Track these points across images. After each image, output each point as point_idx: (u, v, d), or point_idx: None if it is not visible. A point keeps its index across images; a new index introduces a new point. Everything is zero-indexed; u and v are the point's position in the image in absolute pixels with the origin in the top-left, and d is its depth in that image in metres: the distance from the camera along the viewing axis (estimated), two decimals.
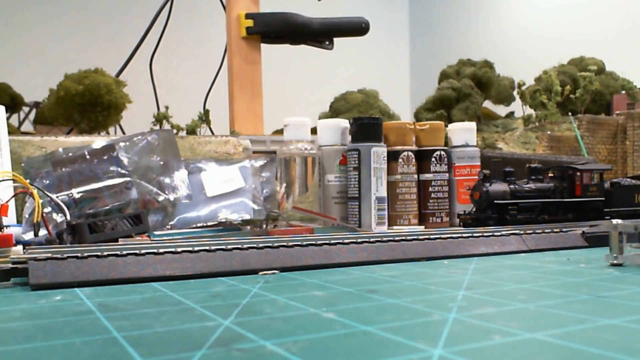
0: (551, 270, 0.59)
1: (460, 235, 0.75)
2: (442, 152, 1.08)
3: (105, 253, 0.57)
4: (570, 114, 1.67)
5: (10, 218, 0.78)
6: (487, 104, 1.92)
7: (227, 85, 1.40)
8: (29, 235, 0.78)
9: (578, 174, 0.98)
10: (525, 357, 0.29)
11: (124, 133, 1.48)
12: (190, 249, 0.60)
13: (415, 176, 1.05)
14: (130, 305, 0.44)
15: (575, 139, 1.60)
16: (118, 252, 0.57)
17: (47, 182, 0.86)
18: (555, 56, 1.99)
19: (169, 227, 0.90)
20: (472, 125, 1.14)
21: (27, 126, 1.99)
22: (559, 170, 1.01)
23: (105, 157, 0.89)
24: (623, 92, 1.81)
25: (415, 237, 0.72)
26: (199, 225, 0.92)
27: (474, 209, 0.95)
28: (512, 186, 0.94)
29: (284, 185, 1.01)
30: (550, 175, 1.01)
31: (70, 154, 0.88)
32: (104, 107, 1.15)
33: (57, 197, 0.80)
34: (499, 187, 0.93)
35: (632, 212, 1.02)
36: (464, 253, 0.71)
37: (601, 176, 1.01)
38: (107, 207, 0.85)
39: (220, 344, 0.32)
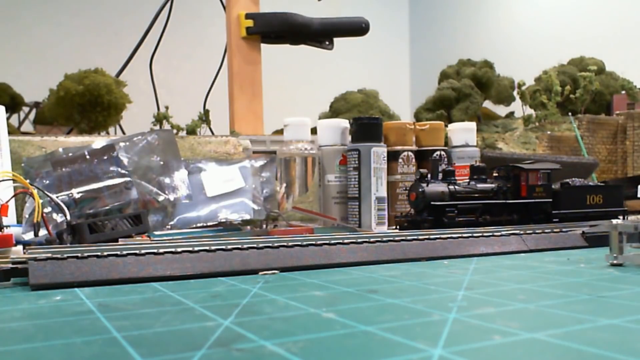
0: (551, 270, 0.59)
1: (460, 235, 0.75)
2: (442, 152, 1.08)
3: (105, 253, 0.57)
4: (570, 114, 1.67)
5: (10, 218, 0.78)
6: (487, 104, 1.92)
7: (227, 85, 1.40)
8: (29, 235, 0.78)
9: (523, 173, 0.92)
10: (525, 357, 0.29)
11: (124, 133, 1.48)
12: (190, 249, 0.60)
13: None
14: (130, 305, 0.44)
15: (575, 139, 1.60)
16: (118, 252, 0.57)
17: (47, 182, 0.86)
18: (555, 56, 1.99)
19: (169, 227, 0.90)
20: (472, 125, 1.14)
21: (27, 126, 1.99)
22: (504, 169, 0.95)
23: (105, 157, 0.89)
24: (623, 92, 1.81)
25: (415, 237, 0.72)
26: (199, 225, 0.92)
27: (412, 211, 0.90)
28: (451, 187, 0.89)
29: (284, 185, 1.01)
30: (495, 175, 0.95)
31: (70, 154, 0.88)
32: (104, 107, 1.15)
33: (57, 197, 0.80)
34: (436, 187, 0.88)
35: (583, 214, 0.96)
36: (464, 253, 0.71)
37: (549, 176, 0.94)
38: (107, 207, 0.85)
39: (220, 344, 0.32)
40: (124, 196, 0.86)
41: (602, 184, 1.01)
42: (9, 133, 0.93)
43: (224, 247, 0.62)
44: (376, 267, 0.63)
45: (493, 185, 0.92)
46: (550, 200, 0.94)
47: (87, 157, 0.88)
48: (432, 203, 0.86)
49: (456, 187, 0.89)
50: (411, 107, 3.56)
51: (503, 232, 0.78)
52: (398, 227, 0.90)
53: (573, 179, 1.00)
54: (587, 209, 0.96)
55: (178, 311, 0.42)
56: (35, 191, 0.70)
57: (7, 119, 1.39)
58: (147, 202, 0.88)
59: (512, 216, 0.92)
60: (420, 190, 0.87)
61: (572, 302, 0.42)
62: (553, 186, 0.96)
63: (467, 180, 0.93)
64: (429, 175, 0.90)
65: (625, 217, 0.99)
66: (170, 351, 0.31)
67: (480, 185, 0.92)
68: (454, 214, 0.87)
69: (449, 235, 0.74)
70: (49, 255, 0.55)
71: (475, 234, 0.77)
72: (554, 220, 0.94)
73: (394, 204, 1.03)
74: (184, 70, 3.38)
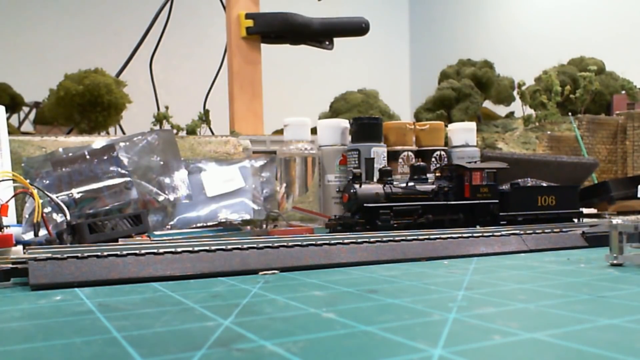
0: (551, 270, 0.59)
1: (460, 235, 0.75)
2: (442, 152, 1.08)
3: (105, 253, 0.57)
4: (570, 114, 1.67)
5: (10, 218, 0.78)
6: (487, 104, 1.92)
7: (227, 85, 1.40)
8: (29, 235, 0.78)
9: (466, 173, 0.87)
10: (525, 357, 0.29)
11: (124, 133, 1.48)
12: (190, 249, 0.60)
13: None
14: (130, 305, 0.44)
15: (575, 139, 1.60)
16: (118, 252, 0.57)
17: (47, 182, 0.86)
18: (555, 56, 1.99)
19: (169, 227, 0.90)
20: (472, 125, 1.14)
21: (27, 126, 1.99)
22: (448, 169, 0.90)
23: (105, 157, 0.89)
24: (623, 92, 1.81)
25: (415, 237, 0.72)
26: (199, 225, 0.92)
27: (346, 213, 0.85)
28: (386, 187, 0.83)
29: (284, 185, 1.01)
30: (437, 175, 0.91)
31: (70, 154, 0.89)
32: (104, 107, 1.15)
33: (57, 197, 0.80)
34: (370, 188, 0.83)
35: (534, 216, 0.91)
36: (464, 253, 0.71)
37: (495, 176, 0.89)
38: (107, 207, 0.85)
39: (220, 344, 0.32)
40: (124, 196, 0.86)
41: (554, 185, 0.95)
42: (9, 133, 0.93)
43: (224, 247, 0.62)
44: (376, 267, 0.63)
45: (433, 186, 0.87)
46: (496, 201, 0.89)
47: (87, 157, 0.88)
48: (365, 205, 0.81)
49: (392, 188, 0.84)
50: (411, 107, 3.56)
51: (503, 232, 0.78)
52: (329, 229, 0.84)
53: (525, 179, 0.96)
54: (538, 210, 0.91)
55: (178, 311, 0.42)
56: (35, 191, 0.70)
57: (7, 119, 1.39)
58: (147, 202, 0.88)
59: (456, 217, 0.88)
60: (353, 191, 0.82)
61: (572, 302, 0.42)
62: (503, 186, 0.91)
63: (406, 181, 0.88)
64: (363, 176, 0.85)
65: (580, 220, 0.94)
66: (170, 351, 0.31)
67: (420, 186, 0.86)
68: (388, 216, 0.82)
69: (449, 235, 0.75)
70: (49, 255, 0.55)
71: (475, 234, 0.77)
72: (502, 222, 0.89)
73: None
74: (184, 70, 3.38)
